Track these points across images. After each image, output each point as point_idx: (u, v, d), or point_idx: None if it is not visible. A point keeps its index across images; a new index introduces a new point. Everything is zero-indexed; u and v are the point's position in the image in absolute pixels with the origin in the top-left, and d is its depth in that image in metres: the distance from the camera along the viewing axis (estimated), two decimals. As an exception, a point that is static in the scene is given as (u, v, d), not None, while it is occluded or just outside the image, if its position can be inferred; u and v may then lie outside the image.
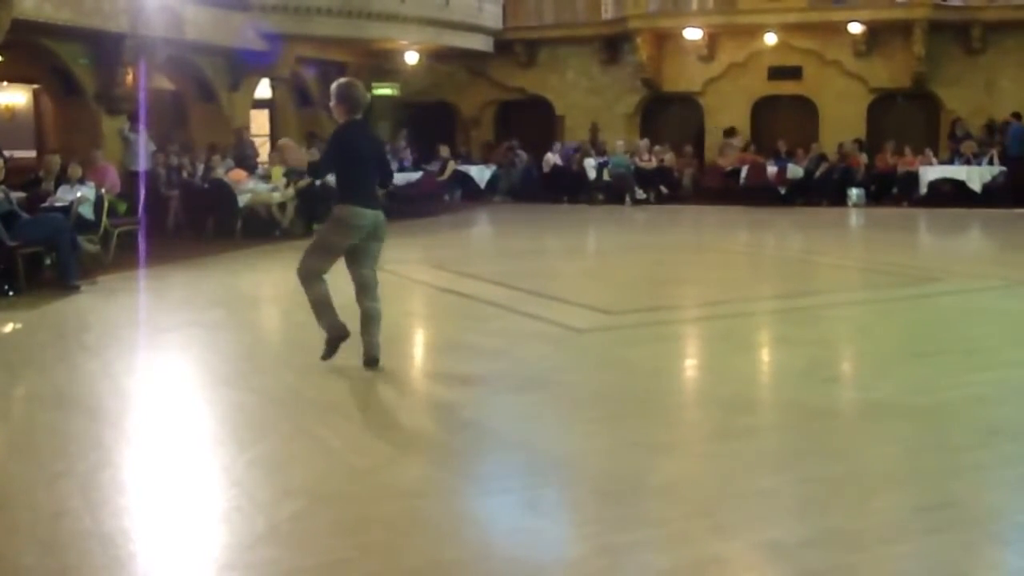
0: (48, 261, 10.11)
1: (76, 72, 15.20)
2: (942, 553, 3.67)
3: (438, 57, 21.11)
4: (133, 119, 15.20)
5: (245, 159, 16.59)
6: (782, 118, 20.71)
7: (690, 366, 7.10)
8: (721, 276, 11.01)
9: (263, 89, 19.97)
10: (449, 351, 7.24)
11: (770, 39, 20.14)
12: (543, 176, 20.63)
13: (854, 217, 17.13)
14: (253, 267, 11.86)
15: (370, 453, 4.84)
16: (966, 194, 17.51)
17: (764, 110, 21.17)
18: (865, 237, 15.27)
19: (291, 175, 14.99)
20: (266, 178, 15.34)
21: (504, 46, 21.72)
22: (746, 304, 9.11)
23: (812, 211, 17.46)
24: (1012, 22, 19.14)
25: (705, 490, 4.33)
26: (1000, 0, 19.46)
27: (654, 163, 19.91)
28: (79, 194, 11.40)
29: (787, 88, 20.88)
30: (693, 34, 20.43)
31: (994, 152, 17.94)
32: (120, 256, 11.77)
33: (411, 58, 20.32)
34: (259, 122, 20.95)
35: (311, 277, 6.31)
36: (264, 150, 19.62)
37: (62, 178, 11.87)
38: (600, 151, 20.88)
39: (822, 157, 18.89)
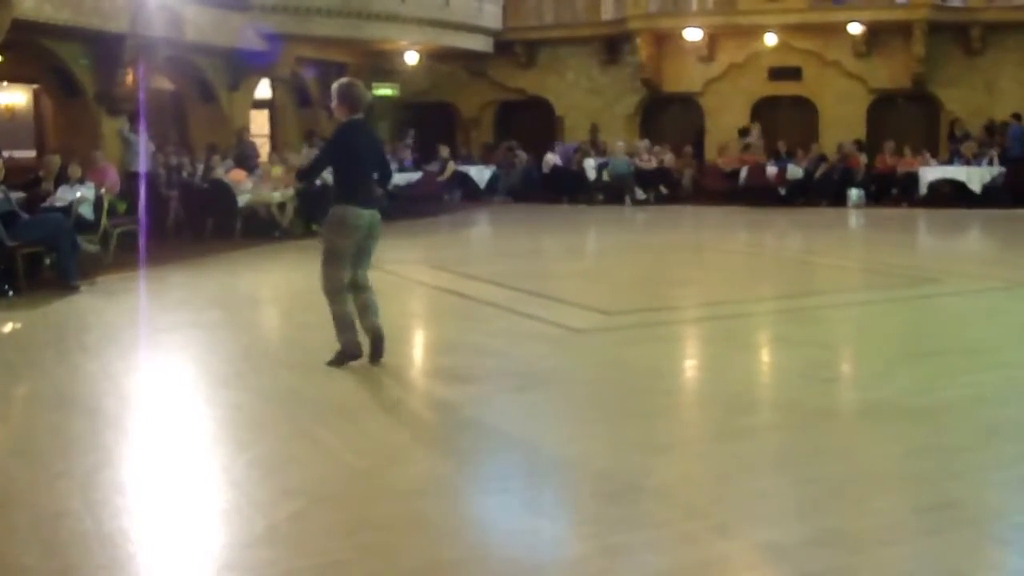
0: (48, 261, 10.11)
1: (76, 72, 15.21)
2: (942, 554, 3.66)
3: (438, 57, 21.11)
4: (133, 119, 15.20)
5: (245, 159, 16.59)
6: (782, 119, 20.72)
7: (690, 367, 7.10)
8: (721, 276, 11.01)
9: (263, 89, 19.99)
10: (449, 351, 7.24)
11: (770, 40, 20.15)
12: (543, 176, 20.63)
13: (854, 218, 17.13)
14: (253, 267, 11.86)
15: (369, 454, 4.84)
16: (966, 195, 17.51)
17: (764, 111, 21.17)
18: (865, 238, 15.27)
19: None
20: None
21: (504, 46, 21.73)
22: (746, 304, 9.10)
23: (812, 211, 17.46)
24: (1012, 23, 19.14)
25: (705, 491, 4.33)
26: (1000, 1, 19.47)
27: (654, 163, 19.91)
28: (79, 194, 11.40)
29: (787, 89, 20.88)
30: (693, 34, 20.43)
31: (994, 153, 17.94)
32: (120, 256, 11.77)
33: (411, 58, 20.33)
34: (259, 122, 20.96)
35: (336, 291, 6.46)
36: (264, 150, 19.65)
37: (62, 178, 11.86)
38: (600, 151, 20.88)
39: (822, 158, 18.89)
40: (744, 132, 20.26)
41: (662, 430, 5.27)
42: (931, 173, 18.11)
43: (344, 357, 6.48)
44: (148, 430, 5.41)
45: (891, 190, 18.54)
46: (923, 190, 17.96)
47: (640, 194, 19.51)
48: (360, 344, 6.51)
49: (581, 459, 4.79)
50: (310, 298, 9.95)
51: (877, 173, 18.85)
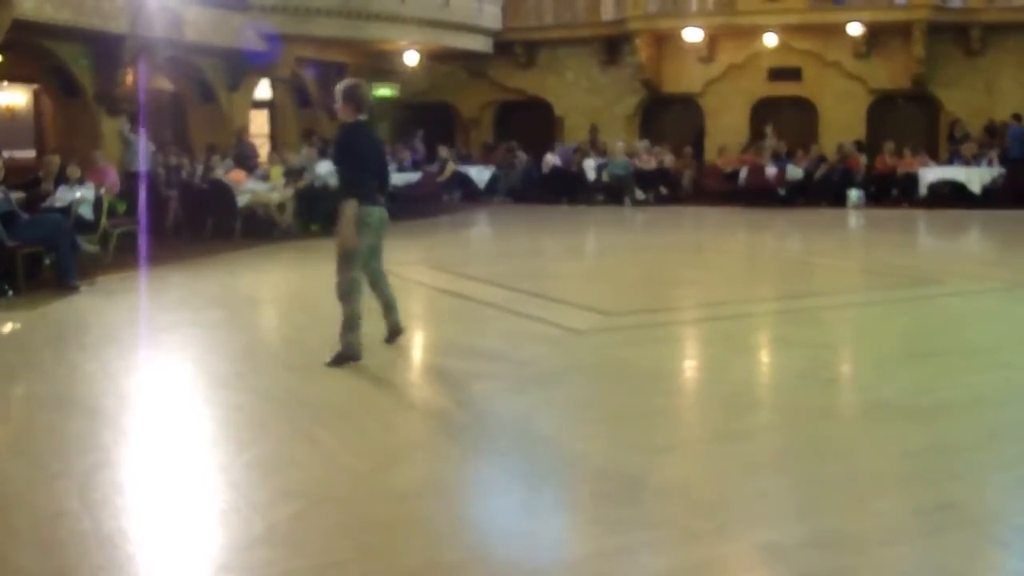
0: (47, 261, 10.10)
1: (76, 72, 15.22)
2: (942, 555, 3.66)
3: (438, 58, 21.12)
4: (133, 119, 15.20)
5: (244, 160, 16.59)
6: (782, 119, 20.71)
7: (690, 367, 7.10)
8: (720, 277, 11.00)
9: (263, 89, 19.99)
10: (448, 352, 7.23)
11: (770, 40, 20.14)
12: (542, 177, 20.62)
13: (854, 218, 17.13)
14: (252, 267, 11.86)
15: (368, 455, 4.83)
16: (966, 196, 17.51)
17: (764, 111, 21.17)
18: (865, 238, 15.26)
19: (290, 175, 15.03)
20: (265, 178, 15.35)
21: (504, 47, 21.74)
22: (746, 305, 9.10)
23: (812, 212, 17.45)
24: (1012, 23, 19.15)
25: (704, 492, 4.32)
26: (1000, 1, 19.47)
27: (653, 164, 19.91)
28: (78, 194, 11.40)
29: (787, 89, 20.88)
30: (693, 35, 20.43)
31: (993, 154, 17.94)
32: (119, 256, 11.76)
33: (411, 59, 20.33)
34: (259, 122, 20.98)
35: (352, 291, 6.55)
36: (264, 151, 19.65)
37: (61, 178, 11.86)
38: (600, 152, 20.88)
39: (822, 158, 18.89)
40: (760, 134, 20.13)
41: (662, 431, 5.26)
42: (931, 174, 18.11)
43: (343, 358, 6.51)
44: (147, 430, 5.41)
45: (891, 191, 18.53)
46: (923, 191, 17.96)
47: (640, 195, 19.51)
48: (361, 347, 6.56)
49: (581, 460, 4.78)
50: (309, 298, 9.99)
51: (877, 174, 18.84)
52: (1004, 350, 7.07)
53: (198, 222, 14.38)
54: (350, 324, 6.53)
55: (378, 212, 6.57)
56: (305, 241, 13.91)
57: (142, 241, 11.98)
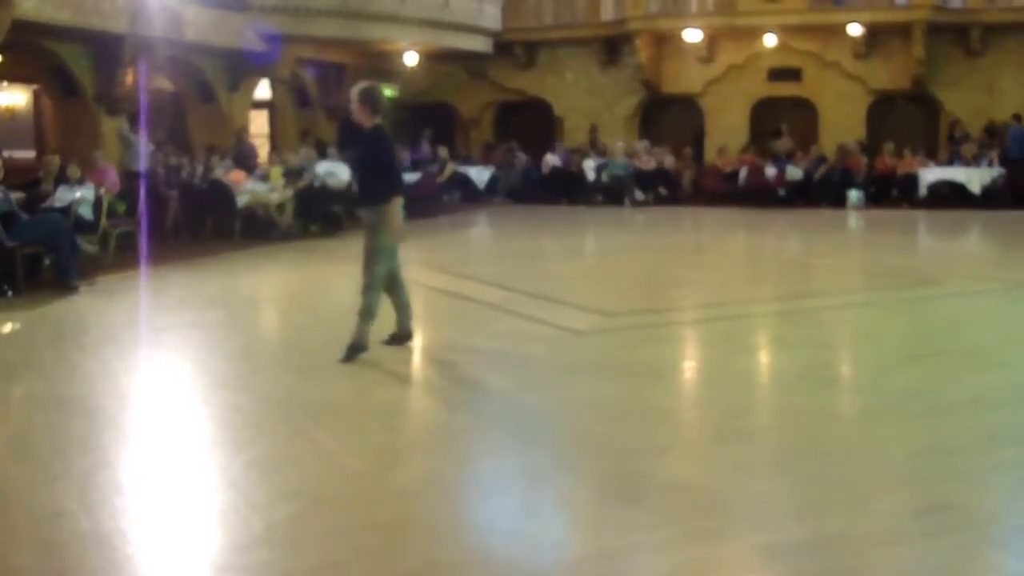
0: (47, 261, 10.10)
1: (76, 72, 15.21)
2: (941, 556, 3.66)
3: (437, 58, 21.11)
4: (133, 119, 15.19)
5: (244, 160, 16.58)
6: (782, 120, 20.71)
7: (689, 368, 7.10)
8: (720, 278, 11.00)
9: (263, 90, 19.98)
10: (447, 353, 7.23)
11: (770, 41, 20.14)
12: (542, 178, 20.61)
13: (853, 219, 17.12)
14: (251, 268, 11.86)
15: (367, 455, 4.83)
16: (966, 196, 17.51)
17: (764, 112, 21.17)
18: (864, 239, 15.26)
19: (290, 176, 15.01)
20: (264, 179, 15.34)
21: (503, 47, 21.73)
22: (745, 306, 9.10)
23: (811, 213, 17.45)
24: (1012, 24, 19.14)
25: (704, 492, 4.32)
26: (1000, 2, 19.47)
27: (653, 165, 19.90)
28: (78, 195, 11.39)
29: (787, 90, 20.87)
30: (693, 35, 20.42)
31: (993, 154, 17.94)
32: (119, 256, 11.76)
33: (410, 59, 20.32)
34: (259, 123, 20.96)
35: (379, 285, 6.70)
36: (263, 151, 19.63)
37: (61, 179, 11.85)
38: (599, 153, 20.88)
39: (822, 159, 18.89)
40: (775, 133, 20.09)
41: (662, 431, 5.26)
42: (931, 174, 18.11)
43: (356, 350, 6.63)
44: (146, 431, 5.41)
45: (891, 191, 18.52)
46: (923, 191, 17.96)
47: (639, 195, 19.50)
48: (368, 340, 6.69)
49: (580, 460, 4.78)
50: (308, 298, 10.00)
51: (877, 174, 18.84)
52: (1004, 351, 7.07)
53: (198, 222, 14.37)
54: (368, 315, 6.68)
55: (402, 211, 6.79)
56: (304, 241, 13.92)
57: (142, 241, 11.97)
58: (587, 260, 13.69)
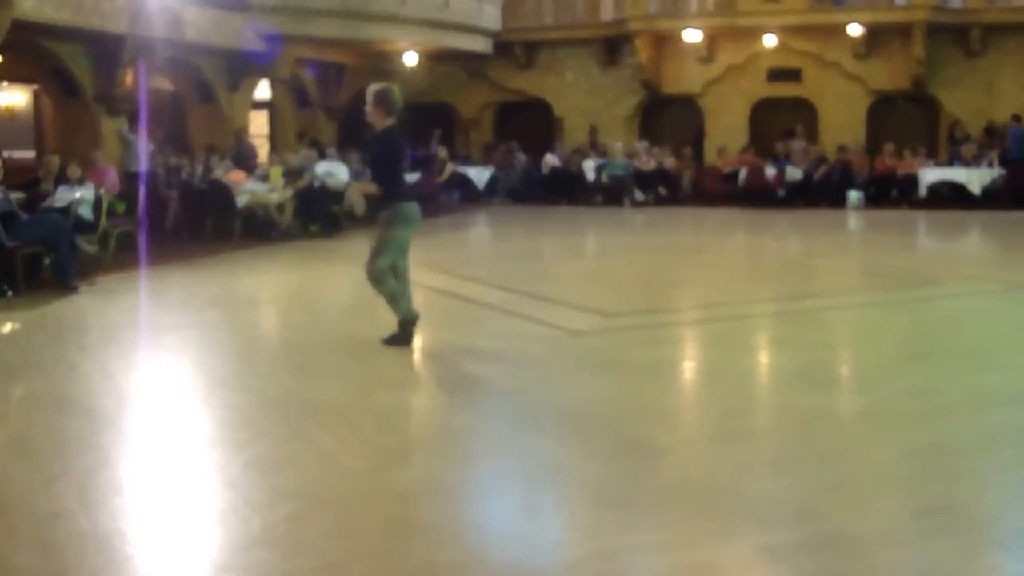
0: (47, 261, 10.09)
1: (76, 73, 15.21)
2: (941, 557, 3.66)
3: (437, 58, 21.11)
4: (132, 120, 15.20)
5: (244, 160, 16.59)
6: (781, 120, 20.71)
7: (688, 368, 7.09)
8: (720, 278, 11.00)
9: (263, 90, 19.98)
10: (446, 353, 7.23)
11: (769, 41, 20.14)
12: (542, 178, 20.61)
13: (853, 219, 17.12)
14: (251, 268, 11.85)
15: (366, 456, 4.83)
16: (965, 197, 17.51)
17: (763, 112, 21.17)
18: (864, 239, 15.26)
19: (290, 176, 15.01)
20: (264, 179, 15.34)
21: (503, 47, 21.73)
22: (745, 306, 9.10)
23: (811, 213, 17.45)
24: (1012, 24, 19.15)
25: (703, 493, 4.32)
26: (1000, 2, 19.47)
27: (653, 165, 19.91)
28: (78, 195, 11.39)
29: (786, 90, 20.87)
30: (692, 36, 20.42)
31: (993, 155, 17.94)
32: (119, 257, 11.76)
33: (410, 59, 20.32)
34: (258, 123, 20.97)
35: (384, 274, 6.89)
36: (263, 151, 19.63)
37: (61, 179, 11.85)
38: (599, 153, 20.88)
39: (821, 159, 18.89)
40: (790, 133, 20.05)
41: (660, 432, 5.25)
42: (931, 175, 18.12)
43: (407, 325, 6.97)
44: (145, 431, 5.40)
45: (891, 192, 18.53)
46: (923, 192, 17.97)
47: (639, 196, 19.51)
48: (416, 309, 7.03)
49: (580, 461, 4.78)
50: (308, 299, 10.00)
51: (877, 175, 18.85)
52: (1004, 351, 7.07)
53: (198, 222, 14.36)
54: (396, 298, 6.93)
55: (417, 208, 7.02)
56: (304, 242, 13.92)
57: (141, 241, 11.97)
58: (587, 260, 13.69)
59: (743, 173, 19.05)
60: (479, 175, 20.60)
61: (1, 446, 5.11)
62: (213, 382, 6.45)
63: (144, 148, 14.36)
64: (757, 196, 18.42)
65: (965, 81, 19.61)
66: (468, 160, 21.54)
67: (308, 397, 5.91)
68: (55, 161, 12.21)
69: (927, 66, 19.36)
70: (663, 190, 19.76)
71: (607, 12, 21.65)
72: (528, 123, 22.87)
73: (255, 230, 14.27)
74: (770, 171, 18.84)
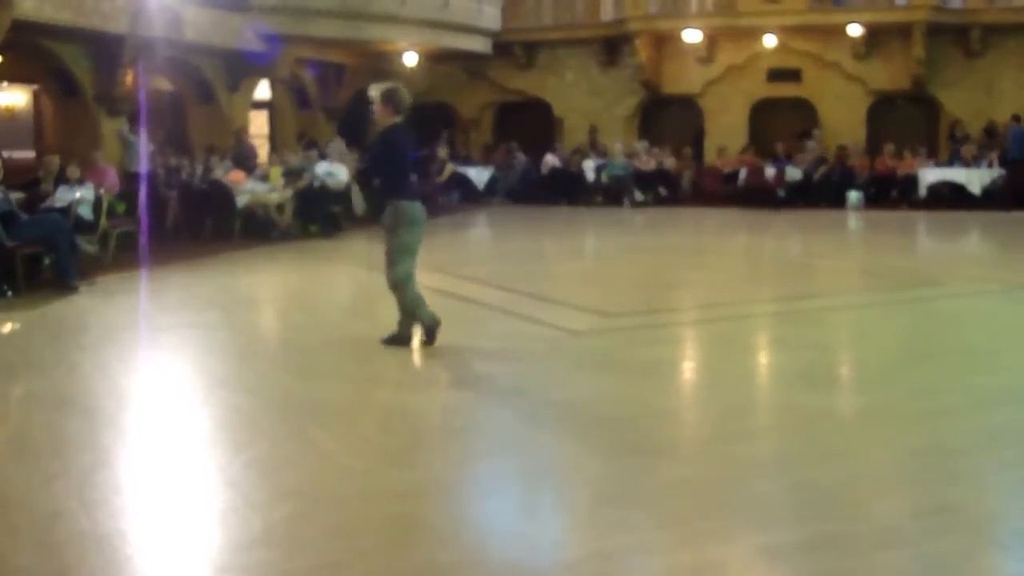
0: (47, 261, 10.09)
1: (76, 73, 15.20)
2: (940, 558, 3.66)
3: (437, 58, 21.10)
4: (133, 120, 15.19)
5: (244, 160, 16.58)
6: (781, 120, 20.70)
7: (688, 369, 7.09)
8: (719, 279, 11.00)
9: (262, 90, 19.98)
10: (447, 354, 7.22)
11: (769, 41, 20.14)
12: (542, 178, 20.61)
13: (853, 220, 17.12)
14: (251, 268, 11.85)
15: (366, 456, 4.83)
16: (965, 197, 17.51)
17: (763, 112, 21.17)
18: (864, 240, 15.26)
19: (289, 176, 15.01)
20: (264, 179, 15.34)
21: (503, 48, 21.71)
22: (744, 307, 9.10)
23: (811, 214, 17.45)
24: (1012, 24, 19.14)
25: (702, 494, 4.32)
26: (1000, 2, 19.47)
27: (653, 165, 19.90)
28: (78, 195, 11.38)
29: (786, 90, 20.86)
30: (692, 36, 20.42)
31: (993, 155, 17.94)
32: (119, 257, 11.76)
33: (410, 59, 20.32)
34: (258, 123, 20.96)
35: (408, 280, 6.89)
36: (263, 151, 19.62)
37: (61, 179, 11.85)
38: (599, 153, 20.88)
39: (821, 159, 18.89)
40: (805, 135, 20.03)
41: (660, 432, 5.26)
42: (931, 175, 18.11)
43: (432, 331, 6.98)
44: (145, 430, 5.40)
45: (890, 192, 18.53)
46: (923, 192, 17.96)
47: (639, 196, 19.51)
48: (436, 315, 7.02)
49: (579, 461, 4.78)
50: (308, 299, 10.00)
51: (877, 175, 18.85)
52: (1003, 352, 7.07)
53: (197, 223, 14.37)
54: (418, 302, 6.92)
55: (422, 208, 6.97)
56: (304, 242, 13.91)
57: (141, 241, 11.97)
58: (587, 261, 13.68)
59: (743, 173, 19.05)
60: (479, 175, 20.59)
61: (1, 446, 5.11)
62: (213, 382, 6.45)
63: (144, 149, 14.36)
64: (757, 196, 18.41)
65: (965, 81, 19.60)
66: (468, 160, 21.53)
67: (308, 397, 5.91)
68: (55, 161, 12.21)
69: (927, 66, 19.35)
70: (663, 190, 19.75)
71: (607, 12, 21.63)
72: (528, 123, 22.85)
73: (255, 230, 14.27)
74: (770, 171, 18.83)
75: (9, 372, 6.65)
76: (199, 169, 15.16)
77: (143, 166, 14.12)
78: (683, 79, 21.34)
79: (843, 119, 20.21)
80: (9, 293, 9.43)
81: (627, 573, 3.59)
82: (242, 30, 16.68)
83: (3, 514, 4.14)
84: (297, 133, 19.66)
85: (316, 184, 14.98)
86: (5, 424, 5.57)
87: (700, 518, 4.01)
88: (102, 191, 11.85)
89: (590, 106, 21.98)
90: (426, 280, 10.55)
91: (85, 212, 11.36)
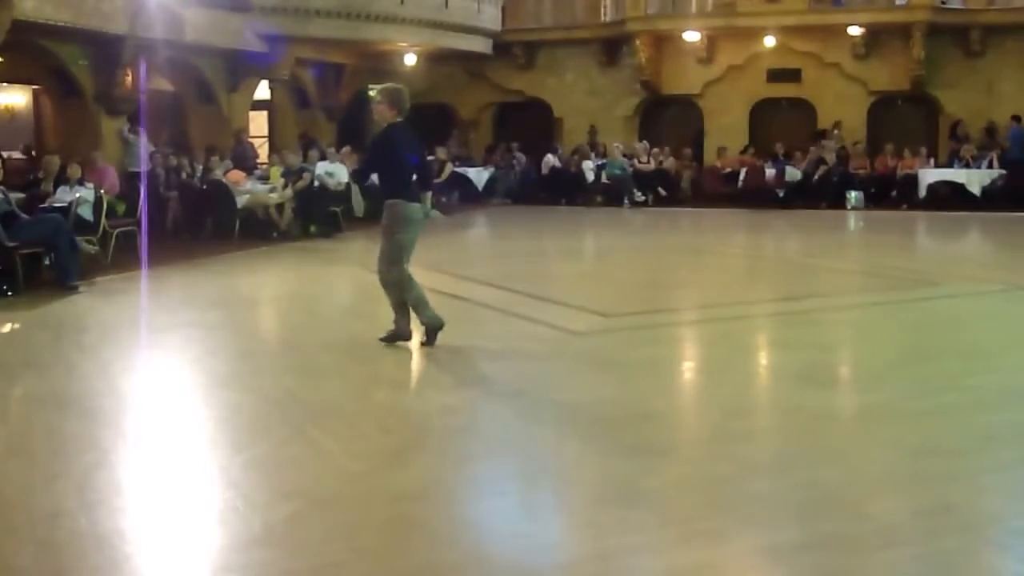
0: (47, 262, 10.10)
1: (76, 73, 15.20)
2: (939, 558, 3.66)
3: (437, 59, 21.11)
4: (132, 120, 15.20)
5: (243, 160, 16.58)
6: (781, 120, 20.70)
7: (687, 369, 7.09)
8: (719, 279, 11.00)
9: (262, 90, 19.98)
10: (446, 354, 7.21)
11: (769, 41, 20.15)
12: (541, 178, 20.61)
13: (853, 220, 17.12)
14: (251, 268, 11.85)
15: (366, 456, 4.83)
16: (965, 197, 17.51)
17: (763, 112, 21.17)
18: (864, 240, 15.27)
19: (289, 176, 15.01)
20: (264, 179, 15.34)
21: (503, 48, 21.72)
22: (744, 307, 9.10)
23: (811, 214, 17.46)
24: (1011, 25, 19.16)
25: (701, 494, 4.32)
26: (999, 2, 19.47)
27: (652, 165, 19.91)
28: (78, 195, 11.38)
29: (786, 91, 20.89)
30: (692, 36, 20.43)
31: (993, 155, 17.94)
32: (119, 257, 11.76)
33: (410, 60, 20.33)
34: (258, 123, 20.97)
35: (404, 280, 6.91)
36: (263, 152, 19.62)
37: (61, 179, 11.85)
38: (599, 153, 20.88)
39: (821, 160, 18.89)
40: (822, 134, 19.99)
41: (659, 433, 5.26)
42: (931, 175, 18.12)
43: (433, 332, 6.96)
44: (145, 431, 5.40)
45: (890, 192, 18.53)
46: (922, 192, 17.97)
47: (638, 196, 19.51)
48: (439, 316, 7.00)
49: (578, 461, 4.78)
50: (308, 299, 10.00)
51: (877, 175, 18.85)
52: (1003, 352, 7.07)
53: (197, 223, 14.37)
54: (419, 304, 6.94)
55: (419, 208, 6.95)
56: (304, 242, 13.91)
57: (141, 241, 11.97)
58: (586, 261, 13.69)
59: (743, 173, 19.06)
60: (478, 175, 20.59)
61: (1, 446, 5.11)
62: (213, 382, 6.45)
63: (144, 149, 14.36)
64: (757, 196, 18.42)
65: (965, 81, 19.61)
66: (467, 160, 21.52)
67: (308, 397, 5.91)
68: (55, 161, 12.20)
69: (927, 66, 19.36)
70: (662, 190, 19.76)
71: (607, 13, 21.65)
72: (528, 124, 22.86)
73: (255, 230, 14.26)
74: (770, 171, 18.84)
75: (9, 372, 6.64)
76: (199, 169, 15.16)
77: (143, 166, 14.14)
78: (683, 79, 21.34)
79: (843, 119, 20.20)
80: (9, 293, 9.43)
81: (627, 573, 3.59)
82: (242, 30, 16.69)
83: (3, 513, 4.14)
84: (300, 135, 19.66)
85: (316, 184, 14.98)
86: (5, 424, 5.57)
87: (700, 518, 4.02)
88: (102, 191, 11.85)
89: (590, 106, 21.99)
90: (426, 280, 10.54)
91: (85, 212, 11.36)
